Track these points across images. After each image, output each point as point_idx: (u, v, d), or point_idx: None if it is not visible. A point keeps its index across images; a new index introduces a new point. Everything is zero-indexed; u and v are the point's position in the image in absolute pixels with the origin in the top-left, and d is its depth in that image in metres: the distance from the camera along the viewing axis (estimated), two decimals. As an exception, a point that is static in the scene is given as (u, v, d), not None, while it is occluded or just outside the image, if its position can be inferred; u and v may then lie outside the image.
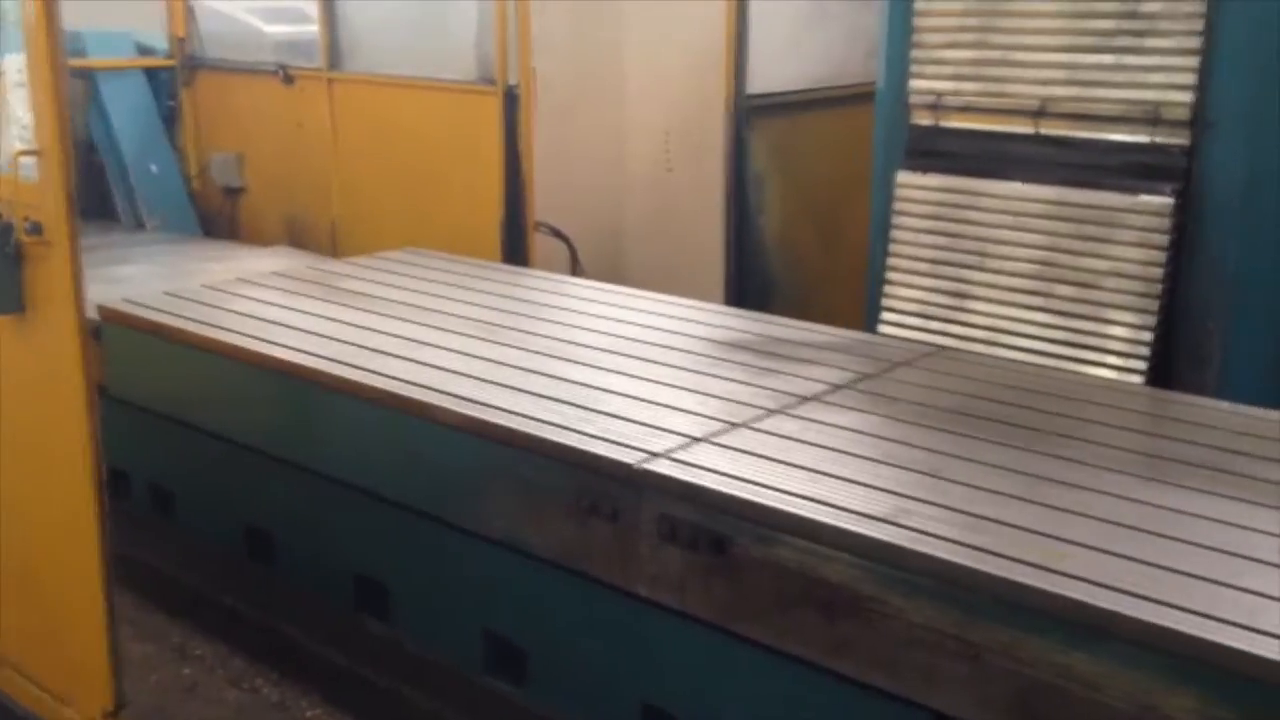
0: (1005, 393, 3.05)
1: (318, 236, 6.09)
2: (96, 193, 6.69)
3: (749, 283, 5.06)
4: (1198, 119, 3.11)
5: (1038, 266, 3.40)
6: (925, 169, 3.59)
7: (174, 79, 6.84)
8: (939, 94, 3.59)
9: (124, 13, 6.92)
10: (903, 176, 3.61)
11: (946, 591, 2.25)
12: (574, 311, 3.80)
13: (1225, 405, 3.01)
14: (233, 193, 6.78)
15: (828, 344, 3.44)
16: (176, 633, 3.78)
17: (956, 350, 3.33)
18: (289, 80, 6.25)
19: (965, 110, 3.54)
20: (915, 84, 3.60)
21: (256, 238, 6.40)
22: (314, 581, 3.44)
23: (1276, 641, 1.95)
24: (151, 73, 6.83)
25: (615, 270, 5.78)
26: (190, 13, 6.81)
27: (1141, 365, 3.17)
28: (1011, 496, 2.50)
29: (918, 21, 3.61)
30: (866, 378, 3.17)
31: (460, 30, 5.35)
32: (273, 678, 3.54)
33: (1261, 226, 3.10)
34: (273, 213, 6.54)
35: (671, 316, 3.76)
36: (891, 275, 3.63)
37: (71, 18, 5.94)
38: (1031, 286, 3.40)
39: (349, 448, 3.26)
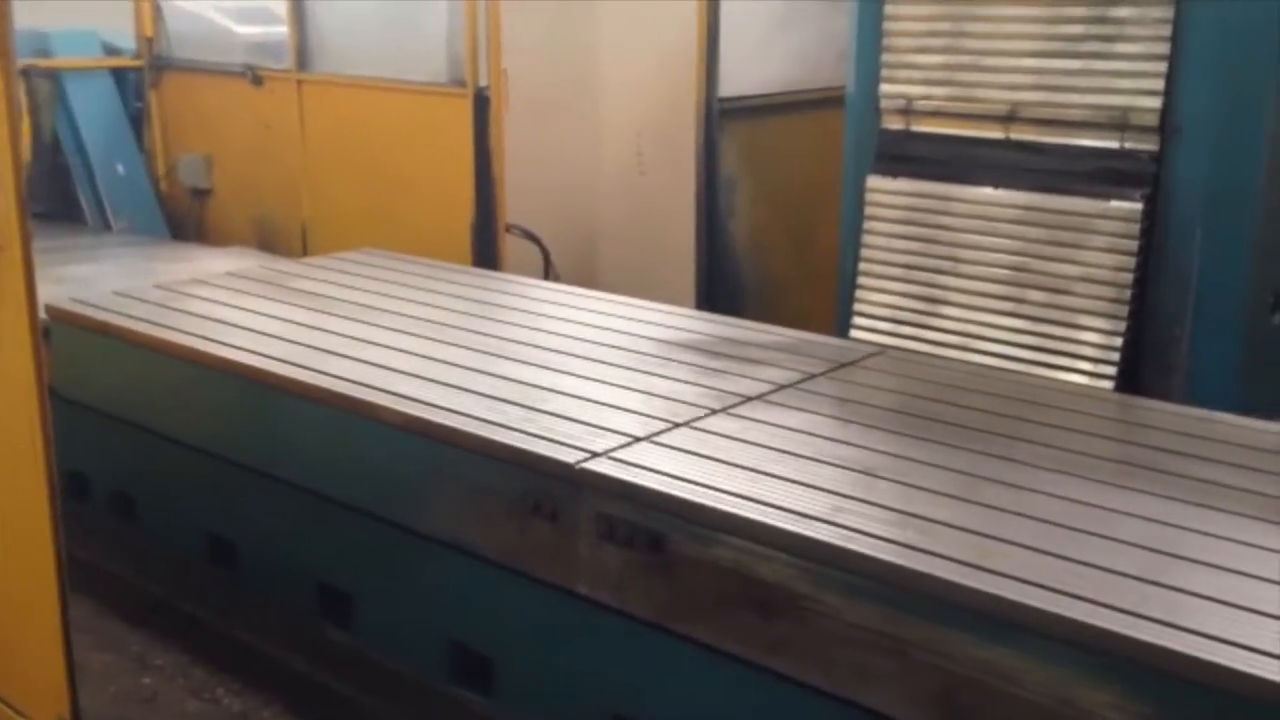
0: (947, 393, 3.07)
1: (287, 239, 6.08)
2: (62, 195, 6.66)
3: (719, 286, 5.04)
4: (1165, 124, 3.13)
5: (1009, 272, 3.42)
6: (896, 174, 3.60)
7: (141, 80, 6.82)
8: (909, 99, 3.60)
9: (92, 12, 6.89)
10: (873, 181, 3.62)
11: (876, 589, 2.26)
12: (525, 312, 3.80)
13: (1169, 407, 3.04)
14: (201, 194, 6.76)
15: (776, 344, 3.45)
16: (136, 641, 3.72)
17: (903, 351, 3.36)
18: (258, 81, 6.24)
19: (936, 115, 3.56)
20: (886, 88, 3.62)
21: (225, 240, 6.38)
22: (276, 589, 3.39)
23: (1196, 638, 1.97)
24: (119, 73, 6.80)
25: (589, 273, 5.78)
26: (159, 13, 6.79)
27: (1111, 370, 3.19)
28: (947, 495, 2.51)
29: (888, 26, 3.62)
30: (811, 377, 3.19)
31: (431, 31, 5.34)
32: (234, 687, 3.49)
33: (1226, 232, 3.13)
34: (241, 215, 6.52)
35: (622, 317, 3.77)
36: (863, 280, 3.64)
37: (38, 17, 5.96)
38: (1003, 292, 3.41)
39: (295, 449, 3.25)
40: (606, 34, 5.69)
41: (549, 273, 5.53)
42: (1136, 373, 3.21)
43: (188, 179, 6.74)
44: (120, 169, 6.74)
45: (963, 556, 2.24)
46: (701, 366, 3.27)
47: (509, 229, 5.21)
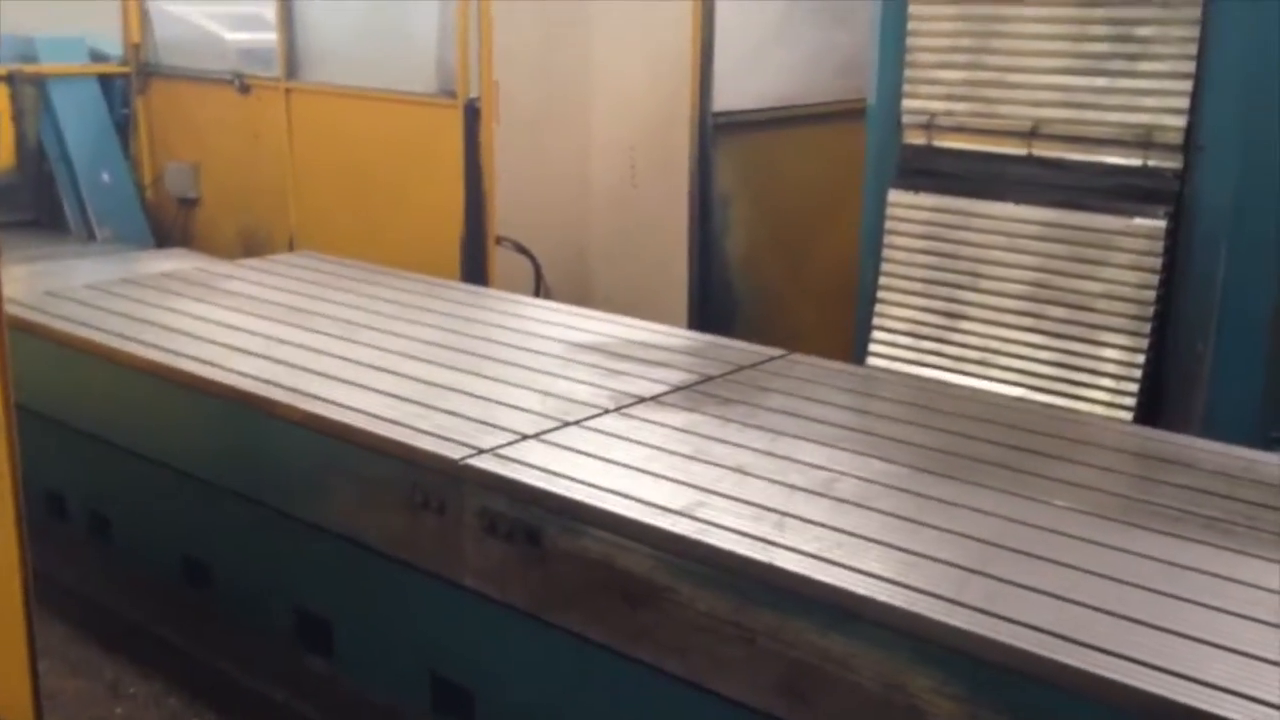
0: (836, 395, 3.14)
1: (274, 249, 6.10)
2: (47, 203, 6.75)
3: (713, 303, 5.00)
4: (1189, 143, 3.13)
5: (1031, 288, 3.42)
6: (918, 188, 3.61)
7: (128, 86, 6.90)
8: (932, 114, 3.59)
9: (84, 17, 6.98)
10: (895, 195, 3.62)
11: (726, 579, 2.34)
12: (443, 315, 3.88)
13: (1044, 408, 3.12)
14: (187, 203, 6.82)
15: (683, 348, 3.53)
16: (110, 668, 3.67)
17: (805, 356, 3.42)
18: (245, 89, 6.29)
19: (958, 130, 3.56)
20: (908, 103, 3.62)
21: (211, 249, 6.36)
22: (253, 615, 3.36)
23: (1010, 625, 2.03)
24: (105, 80, 6.89)
25: (581, 287, 5.80)
26: (147, 19, 6.85)
27: (1133, 388, 3.19)
28: (809, 491, 2.58)
29: (911, 41, 3.62)
30: (709, 379, 3.25)
31: (421, 41, 5.38)
32: (209, 718, 3.45)
33: (1250, 250, 3.14)
34: (228, 224, 6.57)
35: (536, 320, 3.85)
36: (883, 295, 3.64)
37: (26, 22, 6.02)
38: (1024, 308, 3.42)
39: (203, 443, 3.35)
40: (599, 47, 5.69)
41: (540, 286, 5.54)
42: (1159, 390, 3.21)
43: (174, 188, 6.80)
44: (105, 177, 6.81)
45: (804, 547, 2.31)
46: (603, 368, 3.35)
47: (500, 241, 5.22)
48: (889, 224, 3.61)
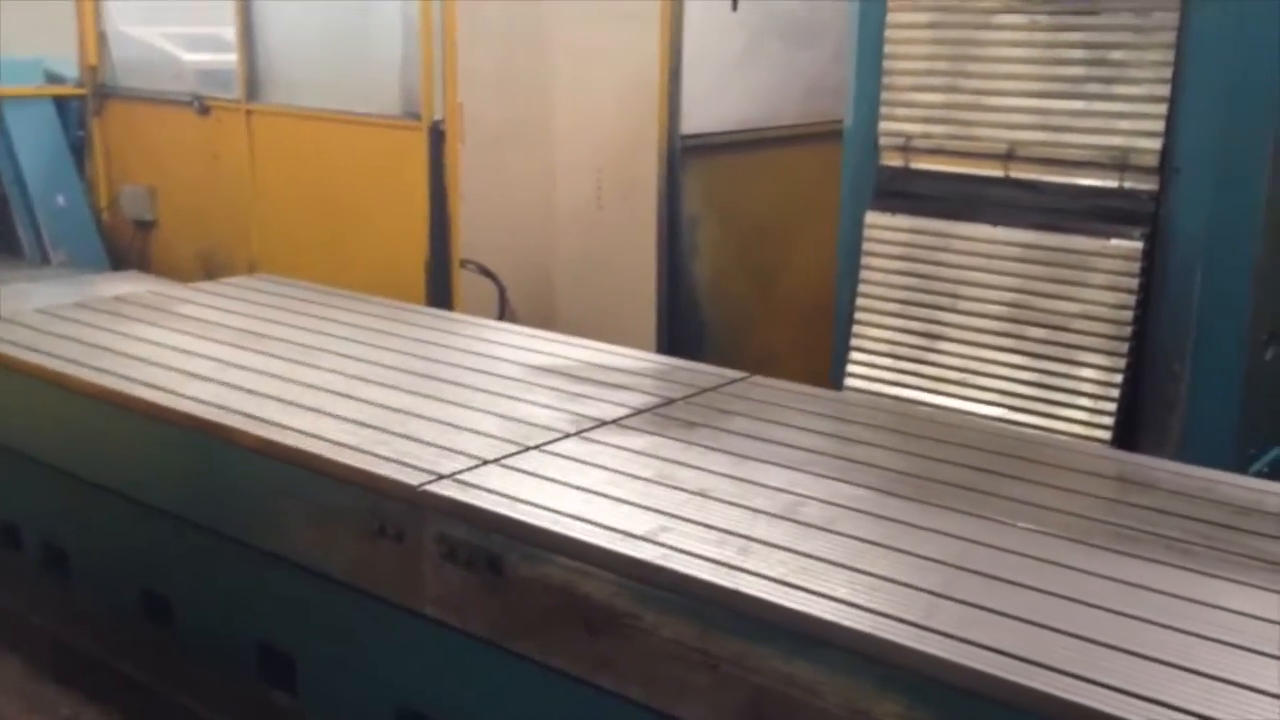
0: (797, 417, 3.13)
1: (235, 272, 6.00)
2: (1, 226, 6.66)
3: (682, 327, 4.97)
4: (1165, 165, 3.17)
5: (1009, 309, 3.44)
6: (895, 210, 3.62)
7: (84, 108, 6.83)
8: (909, 136, 3.61)
9: (43, 37, 6.90)
10: (872, 217, 3.63)
11: (690, 606, 2.31)
12: (402, 338, 3.84)
13: (1007, 430, 3.13)
14: (144, 226, 6.76)
15: (644, 370, 3.50)
16: (67, 704, 3.60)
17: (767, 379, 3.41)
18: (204, 111, 6.24)
19: (935, 153, 3.58)
20: (885, 125, 3.63)
21: (170, 273, 6.33)
22: (215, 649, 3.28)
23: (976, 650, 2.02)
24: (61, 102, 6.83)
25: (547, 310, 5.77)
26: (104, 40, 6.80)
27: (1111, 407, 3.22)
28: (772, 514, 2.56)
29: (888, 64, 3.63)
30: (670, 402, 3.24)
31: (385, 63, 5.34)
32: None
33: (1225, 271, 3.18)
34: (186, 248, 6.51)
35: (496, 343, 3.81)
36: (861, 315, 3.65)
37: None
38: (1002, 328, 3.43)
39: (158, 471, 3.29)
40: (563, 69, 5.68)
41: (504, 309, 5.51)
42: (1137, 409, 3.24)
43: (131, 210, 6.74)
44: (60, 200, 6.75)
45: (769, 573, 2.29)
46: (564, 391, 3.32)
47: (464, 264, 5.18)
48: (866, 245, 3.63)
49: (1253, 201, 3.13)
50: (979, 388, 3.47)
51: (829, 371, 3.91)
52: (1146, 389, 3.24)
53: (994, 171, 3.45)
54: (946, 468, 2.82)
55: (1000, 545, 2.41)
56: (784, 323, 5.26)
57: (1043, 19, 3.32)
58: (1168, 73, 3.13)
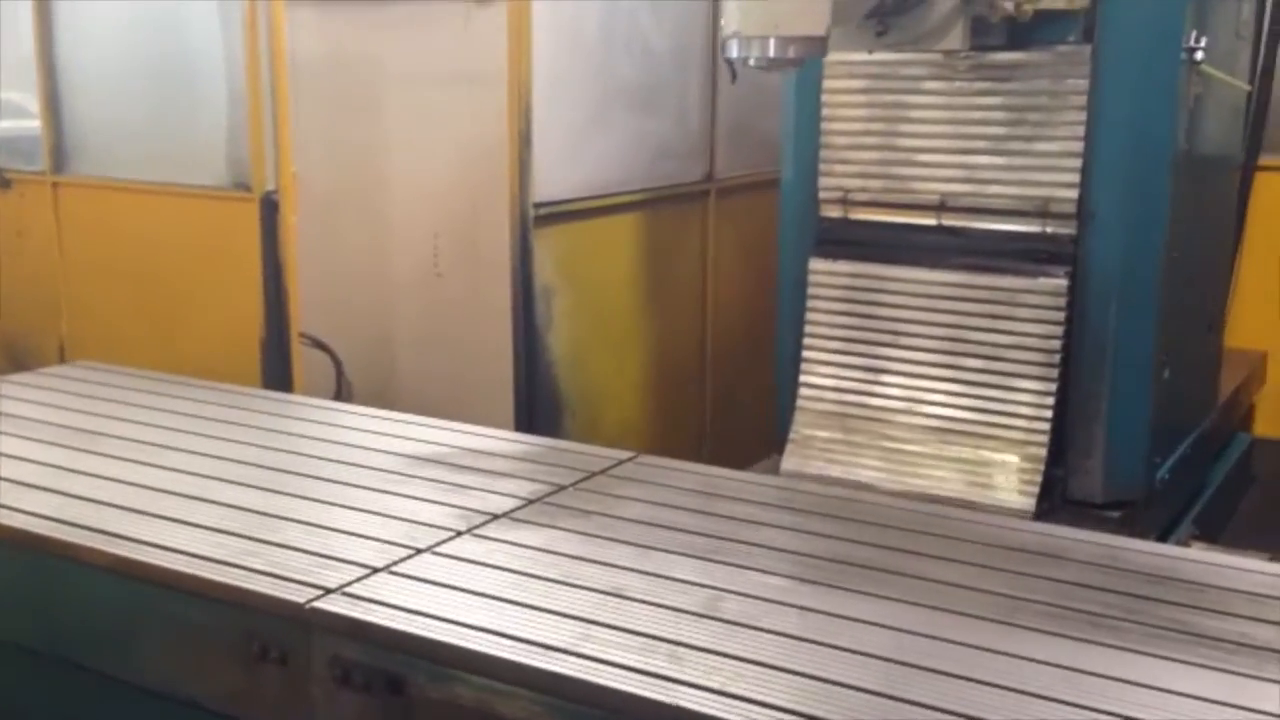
0: (695, 500, 3.04)
1: (44, 359, 5.53)
2: None
3: (539, 401, 4.75)
4: (1082, 211, 3.51)
5: (947, 343, 3.69)
6: (836, 256, 3.87)
7: None
8: (847, 190, 3.85)
9: None
10: (815, 264, 3.88)
11: (622, 722, 2.17)
12: (257, 429, 3.56)
13: (905, 505, 3.14)
14: (-64, 311, 6.22)
15: (524, 454, 3.35)
16: None
17: (654, 458, 3.33)
18: (5, 184, 5.80)
19: (872, 205, 3.84)
20: (824, 180, 3.88)
21: None
22: None
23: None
24: None
25: (387, 380, 5.50)
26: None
27: (1045, 427, 3.51)
28: (693, 613, 2.45)
29: (825, 125, 3.85)
30: (560, 489, 3.10)
31: (209, 132, 5.04)
32: None
33: (1134, 305, 3.52)
34: (-14, 334, 5.99)
35: (361, 430, 3.59)
36: (808, 354, 3.87)
37: None
38: (942, 360, 3.69)
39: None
40: (394, 132, 5.45)
41: (340, 384, 5.23)
42: (1063, 428, 3.57)
43: (-80, 294, 6.19)
44: None
45: (713, 684, 2.17)
46: (445, 483, 3.13)
47: (300, 338, 4.91)
48: (811, 289, 3.89)
49: (1156, 244, 3.50)
50: (923, 415, 3.71)
51: (774, 411, 4.05)
52: (1074, 408, 3.57)
53: (928, 220, 3.73)
54: (856, 548, 2.78)
55: (933, 633, 2.37)
56: (642, 391, 5.23)
57: (966, 84, 3.61)
58: (1081, 130, 3.46)
